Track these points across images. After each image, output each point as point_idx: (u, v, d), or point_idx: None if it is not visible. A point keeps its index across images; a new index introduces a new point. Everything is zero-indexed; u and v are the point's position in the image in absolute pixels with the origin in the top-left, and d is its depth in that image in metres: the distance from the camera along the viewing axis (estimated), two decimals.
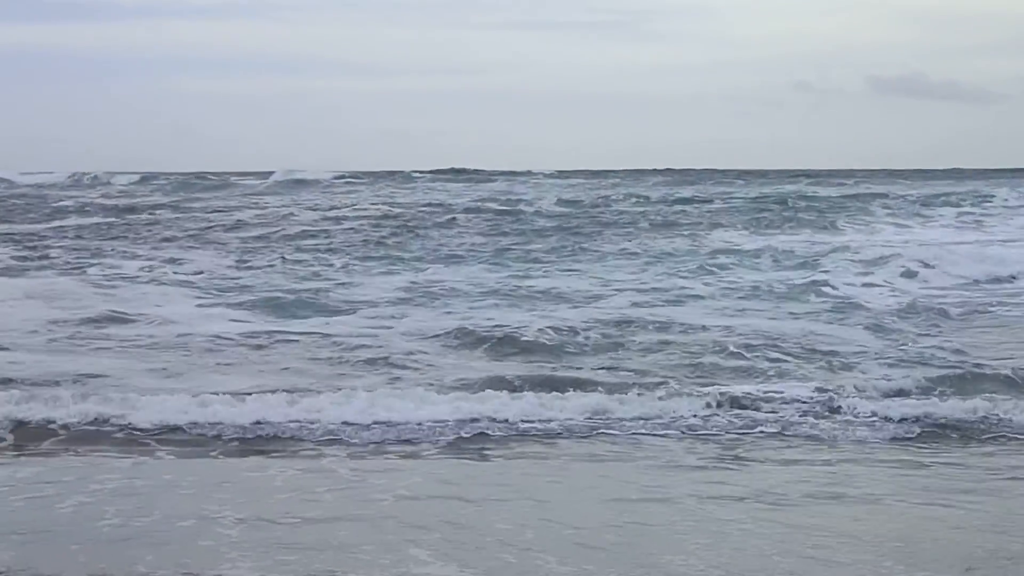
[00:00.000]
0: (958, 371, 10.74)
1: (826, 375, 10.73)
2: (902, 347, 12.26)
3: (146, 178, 59.86)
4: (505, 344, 12.26)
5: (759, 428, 8.83)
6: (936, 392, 9.80)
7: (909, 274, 18.96)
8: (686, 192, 45.54)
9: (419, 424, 8.83)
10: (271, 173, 63.30)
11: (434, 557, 5.89)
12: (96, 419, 8.85)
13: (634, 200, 39.47)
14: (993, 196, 40.64)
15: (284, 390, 9.67)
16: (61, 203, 39.20)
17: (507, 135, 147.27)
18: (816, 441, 8.55)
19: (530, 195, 43.00)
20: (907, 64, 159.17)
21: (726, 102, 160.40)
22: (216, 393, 9.44)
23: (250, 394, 9.44)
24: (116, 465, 7.79)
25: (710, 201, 38.96)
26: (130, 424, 8.79)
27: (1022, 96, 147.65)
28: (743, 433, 8.72)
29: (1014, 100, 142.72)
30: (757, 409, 9.27)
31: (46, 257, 21.86)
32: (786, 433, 8.71)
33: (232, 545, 6.04)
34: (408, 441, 8.54)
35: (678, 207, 36.93)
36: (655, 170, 78.33)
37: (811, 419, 9.04)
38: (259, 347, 12.30)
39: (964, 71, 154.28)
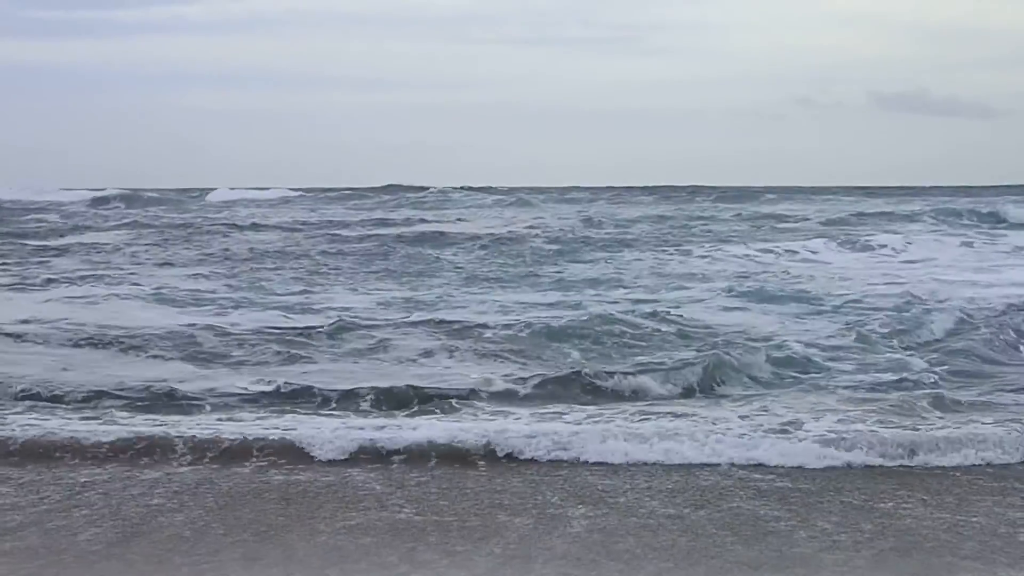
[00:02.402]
0: None
1: None
2: None
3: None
4: None
5: None
6: None
7: None
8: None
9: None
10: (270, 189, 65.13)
11: None
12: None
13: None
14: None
15: None
16: None
17: (507, 151, 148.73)
18: None
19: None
20: (909, 79, 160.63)
21: (727, 117, 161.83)
22: None
23: None
24: None
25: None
26: None
27: None
28: None
29: (1016, 115, 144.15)
30: None
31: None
32: None
33: None
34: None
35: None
36: (656, 187, 79.39)
37: None
38: None
39: (966, 86, 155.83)
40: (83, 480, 8.72)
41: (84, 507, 8.00)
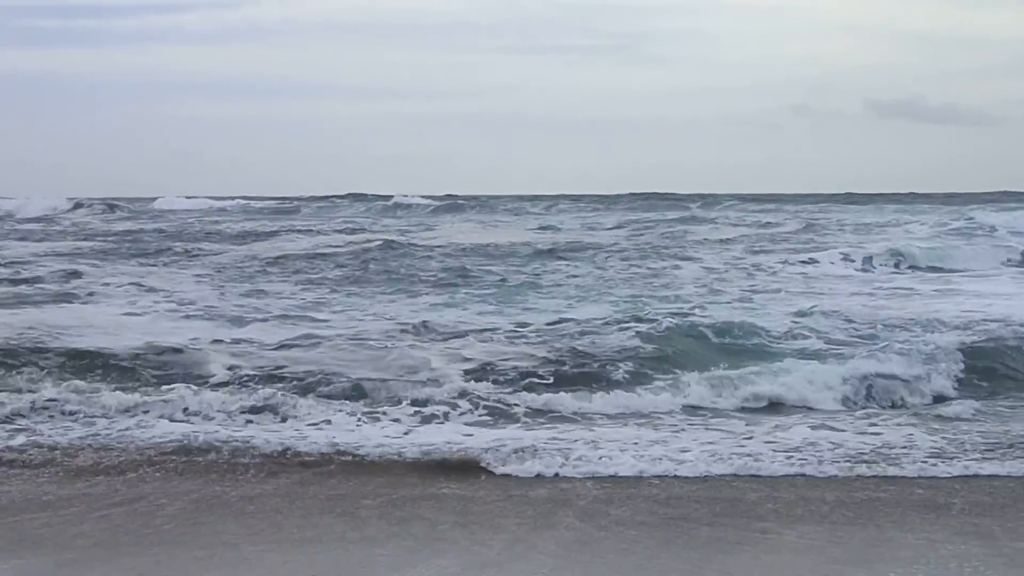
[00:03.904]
0: None
1: None
2: None
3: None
4: None
5: None
6: None
7: None
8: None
9: None
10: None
11: None
12: None
13: None
14: None
15: None
16: None
17: (504, 159, 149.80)
18: None
19: None
20: (906, 87, 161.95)
21: (725, 125, 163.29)
22: None
23: None
24: None
25: None
26: None
27: (1021, 119, 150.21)
28: None
29: (1013, 123, 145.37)
30: None
31: None
32: None
33: None
34: None
35: None
36: (652, 194, 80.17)
37: None
38: None
39: (963, 94, 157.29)
40: None
41: None
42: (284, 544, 7.72)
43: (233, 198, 71.92)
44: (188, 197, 70.89)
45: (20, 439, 10.85)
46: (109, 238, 39.99)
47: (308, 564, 7.28)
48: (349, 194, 79.47)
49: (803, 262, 28.77)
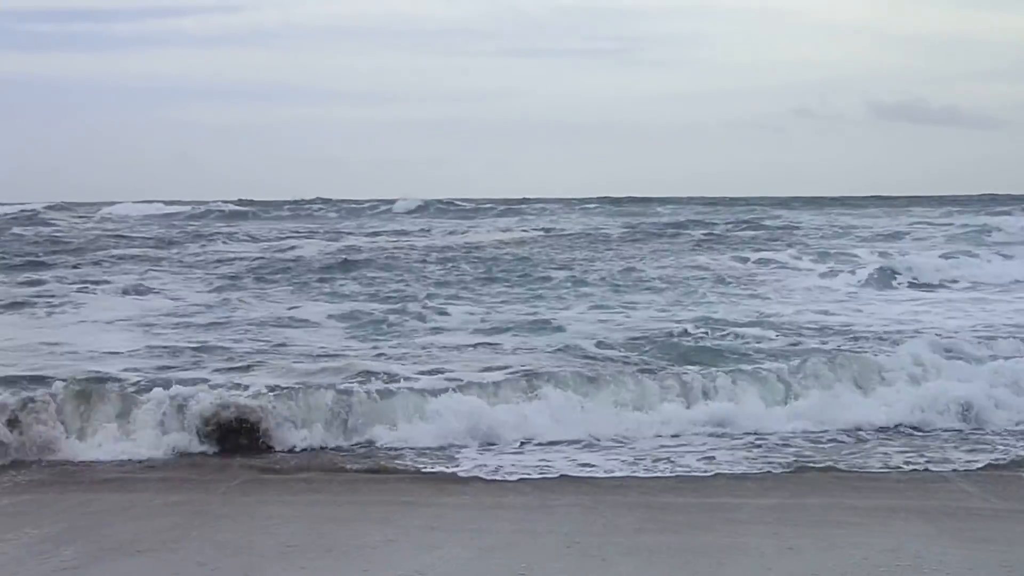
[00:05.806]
0: None
1: None
2: None
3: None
4: None
5: None
6: None
7: None
8: None
9: None
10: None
11: None
12: None
13: None
14: None
15: None
16: None
17: (503, 163, 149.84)
18: None
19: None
20: (908, 90, 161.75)
21: (726, 129, 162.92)
22: None
23: None
24: None
25: None
26: None
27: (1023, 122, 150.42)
28: None
29: (1015, 126, 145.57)
30: None
31: None
32: None
33: None
34: None
35: None
36: (656, 198, 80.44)
37: None
38: None
39: (965, 97, 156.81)
40: None
41: None
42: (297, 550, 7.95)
43: (188, 203, 71.44)
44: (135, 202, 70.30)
45: None
46: None
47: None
48: (318, 198, 78.95)
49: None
